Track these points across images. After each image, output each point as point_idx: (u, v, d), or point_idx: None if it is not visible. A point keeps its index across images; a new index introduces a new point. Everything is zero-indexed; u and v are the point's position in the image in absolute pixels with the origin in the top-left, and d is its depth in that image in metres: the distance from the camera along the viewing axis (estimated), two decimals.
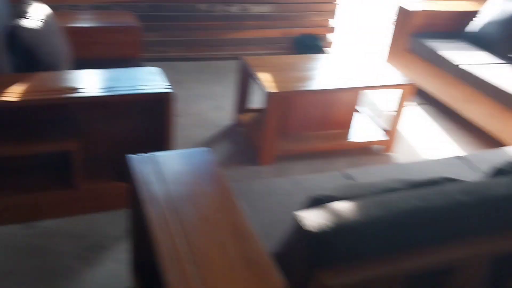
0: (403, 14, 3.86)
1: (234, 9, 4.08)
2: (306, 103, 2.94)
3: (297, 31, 4.37)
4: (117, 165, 2.44)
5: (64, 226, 2.21)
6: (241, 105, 3.17)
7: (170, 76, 3.90)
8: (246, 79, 3.09)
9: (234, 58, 4.24)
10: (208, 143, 2.98)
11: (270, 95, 2.61)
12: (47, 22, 2.35)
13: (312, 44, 4.33)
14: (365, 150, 3.06)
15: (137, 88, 2.15)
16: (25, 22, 2.19)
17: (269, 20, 4.23)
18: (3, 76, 2.09)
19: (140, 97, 2.13)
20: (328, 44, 4.55)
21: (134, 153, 2.51)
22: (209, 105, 3.45)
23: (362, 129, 3.10)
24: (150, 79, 2.24)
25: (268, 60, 3.06)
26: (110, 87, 2.11)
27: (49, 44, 2.28)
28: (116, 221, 2.27)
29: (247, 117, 3.13)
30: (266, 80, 2.73)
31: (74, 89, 2.05)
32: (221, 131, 3.13)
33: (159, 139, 2.40)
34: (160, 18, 3.89)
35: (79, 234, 2.18)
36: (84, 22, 2.85)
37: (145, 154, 1.72)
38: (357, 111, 3.14)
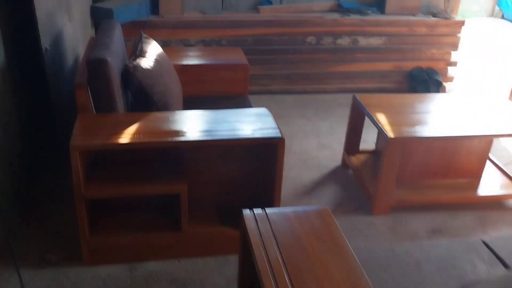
0: None
1: (344, 41, 3.86)
2: (427, 149, 2.61)
3: (411, 65, 4.04)
4: (222, 209, 2.30)
5: (167, 269, 2.09)
6: (352, 146, 2.91)
7: (272, 110, 3.77)
8: (358, 119, 2.84)
9: (340, 92, 4.01)
10: (315, 186, 2.75)
11: (391, 141, 2.33)
12: (160, 61, 2.29)
13: (429, 79, 3.97)
14: (496, 205, 2.64)
15: (247, 131, 1.99)
16: (140, 62, 2.14)
17: (380, 52, 3.95)
18: (119, 115, 2.04)
19: (250, 142, 1.96)
20: (449, 79, 4.15)
21: (239, 195, 2.37)
22: (314, 143, 3.23)
23: (493, 180, 2.68)
24: (259, 122, 2.08)
25: (383, 99, 2.79)
26: (220, 130, 1.98)
27: (162, 84, 2.21)
28: (219, 268, 2.10)
29: (357, 159, 2.86)
30: (383, 122, 2.46)
31: (185, 132, 1.95)
32: (328, 173, 2.89)
33: (267, 183, 2.22)
34: (265, 51, 3.79)
35: (181, 280, 2.04)
36: (194, 59, 2.79)
37: (259, 211, 1.53)
38: (489, 159, 2.74)
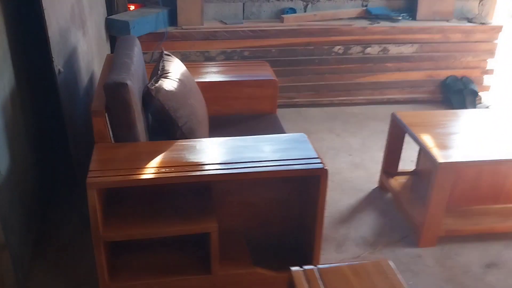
0: None
1: (373, 50, 3.62)
2: (478, 172, 2.36)
3: (445, 73, 3.78)
4: (254, 244, 2.08)
5: None
6: (391, 167, 2.67)
7: (299, 125, 3.57)
8: (397, 138, 2.60)
9: (370, 103, 3.77)
10: (352, 213, 2.51)
11: (441, 167, 2.08)
12: (184, 81, 2.08)
13: (464, 89, 3.71)
14: None
15: (284, 162, 1.76)
16: (162, 84, 1.93)
17: (412, 61, 3.70)
18: (140, 145, 1.83)
19: (287, 174, 1.74)
20: (485, 88, 3.88)
21: (272, 228, 2.15)
22: (346, 162, 2.99)
23: None
24: (297, 149, 1.85)
25: (424, 117, 2.54)
26: (253, 161, 1.75)
27: (187, 106, 1.99)
28: None
29: (397, 182, 2.62)
30: (429, 145, 2.22)
31: (215, 164, 1.73)
32: (365, 197, 2.65)
33: (304, 214, 1.99)
34: (289, 62, 3.56)
35: None
36: (218, 75, 2.56)
37: (311, 267, 1.31)
38: None
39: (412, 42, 3.65)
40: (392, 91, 3.78)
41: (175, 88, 1.99)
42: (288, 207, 2.08)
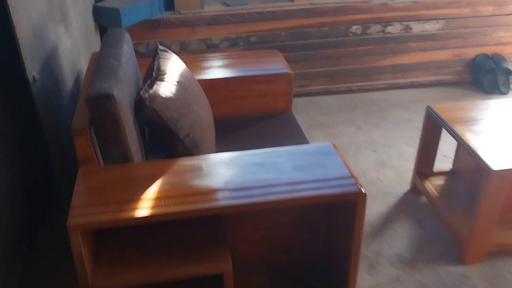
0: None
1: (394, 29, 3.24)
2: None
3: (474, 51, 3.40)
4: (273, 272, 1.78)
5: None
6: (425, 167, 2.33)
7: (314, 117, 3.23)
8: (433, 134, 2.26)
9: (391, 88, 3.41)
10: (384, 223, 2.19)
11: (494, 175, 1.75)
12: (184, 83, 1.74)
13: (496, 68, 3.34)
14: None
15: (308, 183, 1.43)
16: (158, 89, 1.59)
17: (437, 39, 3.32)
18: (133, 167, 1.51)
19: (315, 201, 1.41)
20: None
21: (293, 252, 1.84)
22: (370, 160, 2.66)
23: None
24: (324, 166, 1.52)
25: (463, 109, 2.19)
26: (273, 184, 1.43)
27: (189, 114, 1.66)
28: None
29: (433, 184, 2.29)
30: (477, 146, 1.88)
31: (226, 190, 1.40)
32: (397, 203, 2.32)
33: (334, 240, 1.68)
34: (301, 47, 3.19)
35: None
36: (223, 70, 2.20)
37: None
38: None
39: (437, 18, 3.26)
40: (416, 74, 3.41)
41: (174, 94, 1.65)
42: (312, 229, 1.76)
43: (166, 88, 1.64)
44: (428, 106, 2.20)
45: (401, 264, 1.97)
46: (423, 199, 2.33)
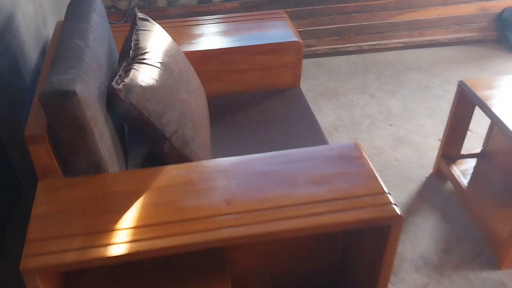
0: None
1: None
2: None
3: (501, 4, 3.01)
4: (279, 284, 1.52)
5: None
6: (452, 150, 2.03)
7: (322, 83, 2.87)
8: (465, 113, 1.93)
9: (407, 47, 3.04)
10: (405, 217, 1.91)
11: None
12: (169, 63, 1.38)
13: None
14: None
15: (330, 202, 1.13)
16: (136, 76, 1.25)
17: None
18: (107, 180, 1.19)
19: (339, 227, 1.11)
20: None
21: (306, 268, 1.57)
22: (387, 135, 2.34)
23: None
24: (348, 177, 1.20)
25: (500, 83, 1.86)
26: (283, 206, 1.12)
27: (177, 105, 1.33)
28: None
29: (461, 169, 1.99)
30: None
31: (226, 215, 1.10)
32: (418, 190, 2.04)
33: (354, 263, 1.40)
34: (307, 0, 2.79)
35: None
36: (218, 38, 1.82)
37: None
38: None
39: None
40: (434, 31, 3.03)
41: (157, 80, 1.31)
42: (327, 240, 1.48)
43: (147, 73, 1.30)
44: (460, 82, 1.86)
45: (427, 269, 1.71)
46: (449, 185, 2.05)
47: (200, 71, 1.80)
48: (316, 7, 2.81)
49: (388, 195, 1.15)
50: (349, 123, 2.42)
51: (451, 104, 2.54)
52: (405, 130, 2.37)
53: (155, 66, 1.34)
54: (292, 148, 1.58)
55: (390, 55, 2.99)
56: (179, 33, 1.87)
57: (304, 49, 2.92)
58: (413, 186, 2.05)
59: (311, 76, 2.79)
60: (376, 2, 2.86)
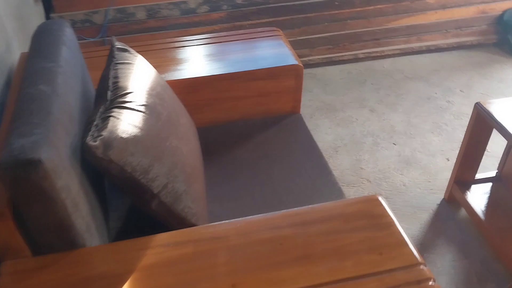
0: None
1: None
2: None
3: (502, 6, 2.85)
4: None
5: None
6: (467, 175, 1.87)
7: (317, 97, 2.64)
8: (481, 136, 1.77)
9: (405, 54, 2.87)
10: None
11: None
12: (153, 106, 1.17)
13: None
14: None
15: (361, 280, 0.95)
16: (116, 127, 1.03)
17: None
18: (85, 257, 0.99)
19: None
20: None
21: None
22: (391, 156, 2.17)
23: None
24: (375, 242, 1.02)
25: None
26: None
27: (166, 154, 1.12)
28: None
29: (476, 196, 1.83)
30: None
31: None
32: (430, 219, 1.87)
33: None
34: (300, 8, 2.59)
35: None
36: (207, 62, 1.61)
37: None
38: None
39: None
40: (432, 36, 2.86)
41: (141, 128, 1.10)
42: None
43: (129, 120, 1.09)
44: (477, 104, 1.69)
45: None
46: (463, 213, 1.88)
47: (189, 100, 1.60)
48: (309, 14, 2.62)
49: (424, 267, 0.97)
50: (349, 143, 2.24)
51: (455, 117, 2.38)
52: (410, 149, 2.20)
53: (138, 111, 1.13)
54: (299, 191, 1.39)
55: (387, 62, 2.81)
56: (162, 58, 1.66)
57: None
58: (424, 216, 1.88)
59: (305, 89, 2.60)
60: (372, 7, 2.67)
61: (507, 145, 1.88)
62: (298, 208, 1.11)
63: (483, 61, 2.82)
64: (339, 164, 2.12)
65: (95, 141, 1.01)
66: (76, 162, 1.03)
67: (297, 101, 1.70)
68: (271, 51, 1.69)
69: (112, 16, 2.35)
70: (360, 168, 2.09)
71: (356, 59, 2.82)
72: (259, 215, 1.09)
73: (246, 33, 1.80)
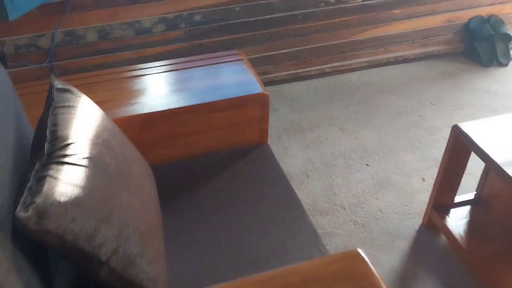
0: None
1: None
2: None
3: (468, 15, 2.81)
4: None
5: None
6: (446, 199, 1.77)
7: (283, 116, 2.45)
8: (460, 160, 1.68)
9: (372, 66, 2.78)
10: (394, 283, 1.64)
11: None
12: (98, 157, 1.01)
13: (495, 34, 2.77)
14: None
15: None
16: (48, 195, 0.87)
17: (425, 2, 2.69)
18: None
19: None
20: None
21: None
22: (364, 178, 2.06)
23: None
24: None
25: (496, 123, 1.62)
26: None
27: (113, 215, 0.96)
28: None
29: (456, 221, 1.74)
30: None
31: None
32: (408, 247, 1.76)
33: None
34: (262, 24, 2.47)
35: None
36: (167, 94, 1.45)
37: None
38: None
39: None
40: (399, 47, 2.79)
41: (84, 187, 0.94)
42: None
43: (69, 179, 0.93)
44: (455, 126, 1.60)
45: None
46: (443, 239, 1.79)
47: (143, 138, 1.44)
48: (272, 30, 2.49)
49: None
50: (321, 166, 2.12)
51: (428, 132, 2.31)
52: (384, 170, 2.10)
53: (81, 165, 0.97)
54: (271, 237, 1.26)
55: (355, 76, 2.72)
56: (114, 91, 1.49)
57: (262, 76, 2.60)
58: (403, 244, 1.77)
59: (272, 108, 2.47)
60: (337, 20, 2.57)
61: (485, 167, 1.80)
62: (273, 270, 0.97)
63: (451, 71, 2.76)
64: (311, 190, 2.00)
65: (27, 211, 0.85)
66: (4, 236, 0.86)
67: (264, 131, 1.56)
68: (234, 79, 1.55)
69: (59, 39, 2.16)
70: (333, 194, 1.98)
71: (323, 74, 2.71)
72: (228, 282, 0.95)
73: (207, 58, 1.66)
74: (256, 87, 1.50)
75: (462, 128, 1.59)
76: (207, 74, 1.58)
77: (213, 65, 1.62)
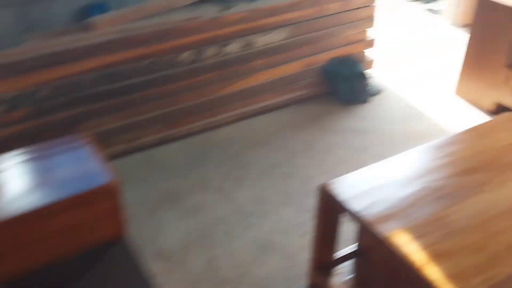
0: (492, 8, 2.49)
1: (234, 48, 2.54)
2: None
3: (325, 57, 2.90)
4: None
5: None
6: (324, 258, 1.72)
7: (156, 183, 2.25)
8: (331, 218, 1.64)
9: (241, 119, 2.74)
10: None
11: None
12: None
13: (350, 72, 2.89)
14: None
15: None
16: None
17: (284, 51, 2.73)
18: None
19: None
20: (369, 65, 3.12)
21: None
22: (247, 243, 1.96)
23: None
24: None
25: (365, 178, 1.61)
26: None
27: None
28: None
29: (339, 279, 1.69)
30: (418, 262, 1.30)
31: None
32: None
33: None
34: (119, 91, 2.30)
35: None
36: None
37: None
38: None
39: (280, 26, 2.65)
40: (265, 96, 2.79)
41: None
42: None
43: None
44: (320, 186, 1.56)
45: None
46: None
47: None
48: (131, 95, 2.34)
49: None
50: (200, 237, 1.98)
51: (303, 182, 2.29)
52: (264, 230, 2.02)
53: None
54: None
55: (225, 131, 2.65)
56: None
57: (125, 145, 2.42)
58: None
59: (141, 179, 2.29)
60: (199, 77, 2.50)
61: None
62: None
63: (318, 114, 2.81)
64: (192, 269, 1.84)
65: None
66: None
67: (119, 224, 1.39)
68: (76, 170, 1.36)
69: None
70: (216, 268, 1.84)
71: (193, 133, 2.60)
72: None
73: (44, 148, 1.45)
74: (101, 177, 1.33)
75: (328, 189, 1.55)
76: (44, 167, 1.37)
77: (52, 155, 1.42)
